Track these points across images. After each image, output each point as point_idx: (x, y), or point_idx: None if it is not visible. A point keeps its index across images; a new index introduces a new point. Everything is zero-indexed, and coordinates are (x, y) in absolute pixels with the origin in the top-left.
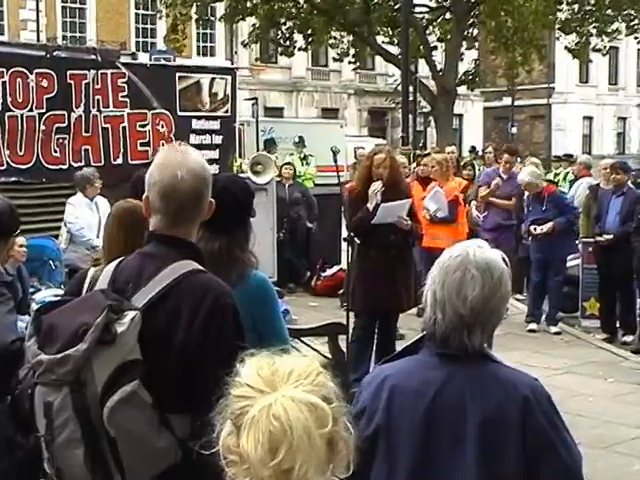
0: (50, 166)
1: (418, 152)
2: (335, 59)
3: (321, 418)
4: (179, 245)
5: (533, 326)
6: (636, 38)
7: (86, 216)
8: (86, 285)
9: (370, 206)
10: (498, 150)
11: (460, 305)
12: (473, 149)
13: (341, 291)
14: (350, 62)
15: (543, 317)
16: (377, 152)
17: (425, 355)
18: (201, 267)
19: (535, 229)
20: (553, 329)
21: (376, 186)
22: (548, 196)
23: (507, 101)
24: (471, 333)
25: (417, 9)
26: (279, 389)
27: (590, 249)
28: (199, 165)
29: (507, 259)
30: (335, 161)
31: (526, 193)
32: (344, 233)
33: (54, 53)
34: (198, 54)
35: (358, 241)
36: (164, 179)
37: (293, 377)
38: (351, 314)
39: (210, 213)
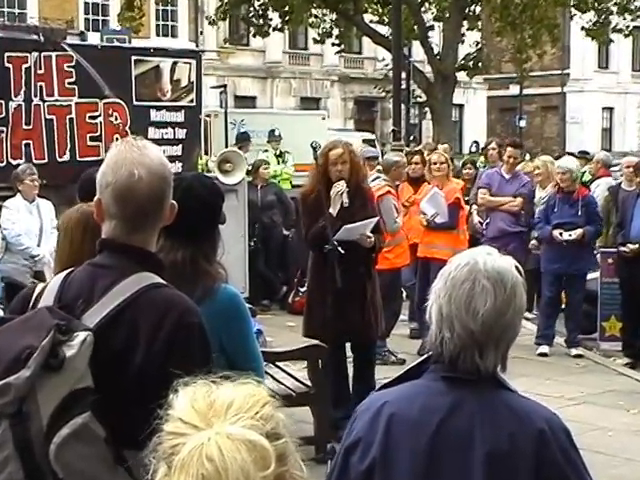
0: None
1: (407, 149)
2: (316, 41)
3: (263, 458)
4: (136, 255)
5: (544, 349)
6: None
7: (25, 221)
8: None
9: (333, 211)
10: (503, 146)
11: (470, 320)
12: (476, 145)
13: None
14: (334, 44)
15: (556, 339)
16: (332, 147)
17: (429, 379)
18: (162, 281)
19: (561, 234)
20: (574, 351)
21: (340, 187)
22: (582, 199)
23: (515, 90)
24: (483, 352)
25: None
26: (215, 424)
27: (610, 260)
28: (159, 162)
29: (521, 268)
30: (316, 159)
31: (548, 189)
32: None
33: None
34: (157, 34)
35: (342, 251)
36: (118, 179)
37: (232, 410)
38: None
39: (172, 218)
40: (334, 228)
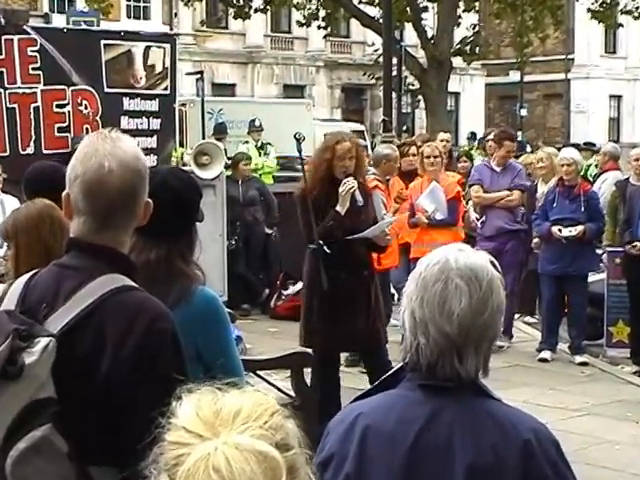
0: None
1: (398, 141)
2: (301, 24)
3: (273, 469)
4: (106, 255)
5: (546, 355)
6: None
7: None
8: None
9: (342, 210)
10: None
11: (445, 323)
12: (473, 136)
13: None
14: (320, 27)
15: (559, 345)
16: (339, 140)
17: (406, 388)
18: (133, 283)
19: (560, 230)
20: (579, 359)
21: (351, 184)
22: (584, 194)
23: (515, 76)
24: (463, 356)
25: None
26: (222, 434)
27: (617, 260)
28: (133, 155)
29: (496, 263)
30: (300, 151)
31: (550, 183)
32: None
33: None
34: (129, 16)
35: (328, 251)
36: (87, 171)
37: (240, 419)
38: None
39: (147, 217)
40: (342, 228)
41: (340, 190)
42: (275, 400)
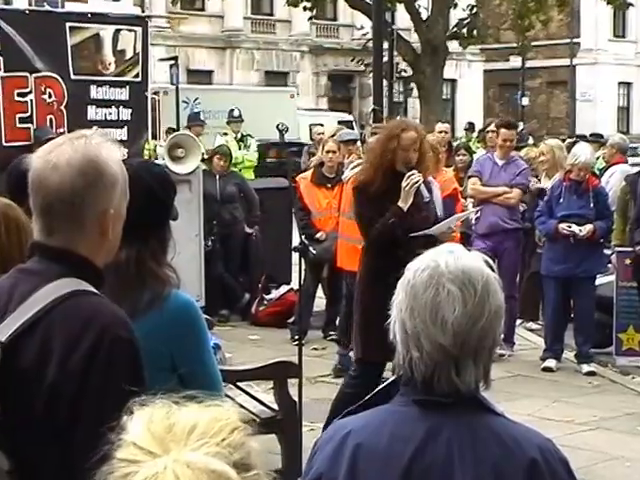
0: None
1: None
2: (288, 2)
3: None
4: (62, 258)
5: (550, 363)
6: None
7: None
8: None
9: (404, 205)
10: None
11: (439, 333)
12: (471, 127)
13: (291, 319)
14: (306, 9)
15: (565, 354)
16: (404, 128)
17: (400, 404)
18: (91, 287)
19: (569, 227)
20: (586, 368)
21: (417, 177)
22: (593, 190)
23: (516, 62)
24: (461, 369)
25: None
26: (173, 451)
27: (628, 261)
28: (91, 159)
29: (492, 263)
30: (283, 143)
31: (556, 177)
32: (295, 240)
33: None
34: None
35: (314, 252)
36: (36, 166)
37: (195, 435)
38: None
39: (111, 228)
40: (405, 227)
41: (404, 184)
42: (237, 416)
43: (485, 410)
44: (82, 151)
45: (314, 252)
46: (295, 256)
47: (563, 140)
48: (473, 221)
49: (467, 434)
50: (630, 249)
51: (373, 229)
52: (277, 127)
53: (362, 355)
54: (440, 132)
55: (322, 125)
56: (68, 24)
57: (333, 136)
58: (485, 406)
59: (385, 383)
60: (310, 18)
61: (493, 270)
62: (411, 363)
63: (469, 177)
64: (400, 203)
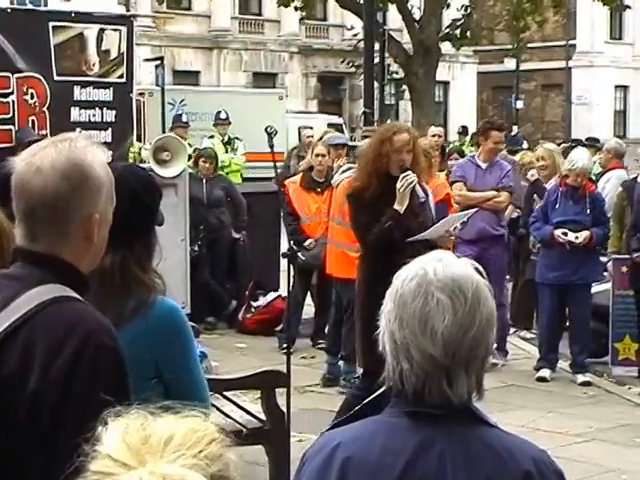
0: None
1: None
2: (278, 2)
3: None
4: (46, 263)
5: (545, 373)
6: None
7: None
8: None
9: (400, 208)
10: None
11: (429, 344)
12: (464, 130)
13: (280, 327)
14: (297, 9)
15: (559, 363)
16: (397, 131)
17: (391, 415)
18: (74, 294)
19: (565, 234)
20: (581, 378)
21: (411, 178)
22: (590, 195)
23: (510, 64)
24: (452, 379)
25: None
26: (149, 463)
27: (624, 269)
28: (75, 162)
29: (481, 269)
30: (271, 147)
31: (552, 182)
32: (284, 246)
33: None
34: None
35: (303, 258)
36: (19, 168)
37: (171, 446)
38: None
39: (95, 233)
40: (402, 229)
41: (398, 186)
42: (215, 427)
43: (478, 421)
44: (66, 154)
45: (303, 258)
46: (283, 262)
47: (559, 144)
48: (459, 226)
49: (460, 446)
50: (627, 256)
51: (370, 234)
52: (266, 130)
53: (366, 366)
54: (433, 135)
55: (312, 128)
56: (51, 23)
57: (321, 139)
58: (478, 417)
59: (375, 394)
60: (302, 19)
61: (483, 277)
62: (401, 374)
63: (452, 183)
64: (396, 206)
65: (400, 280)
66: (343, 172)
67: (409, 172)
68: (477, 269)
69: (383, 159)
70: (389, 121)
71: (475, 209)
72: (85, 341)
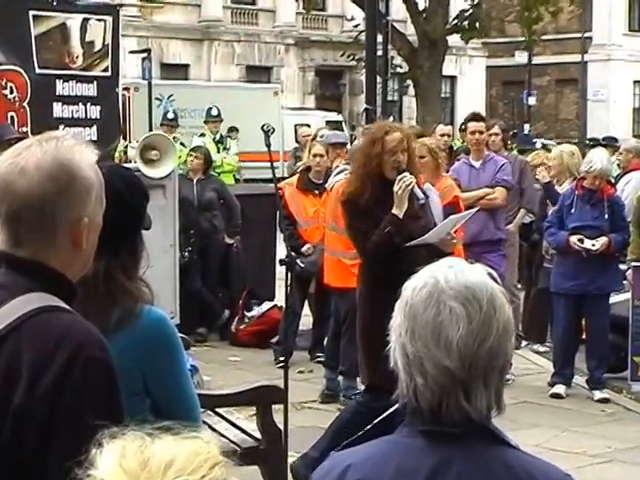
0: None
1: None
2: None
3: None
4: (31, 270)
5: (559, 389)
6: None
7: None
8: None
9: (399, 212)
10: (507, 131)
11: (444, 356)
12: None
13: (275, 339)
14: None
15: (575, 378)
16: (388, 130)
17: (405, 434)
18: (62, 303)
19: (582, 241)
20: (598, 395)
21: (409, 180)
22: (608, 199)
23: (522, 58)
24: (470, 393)
25: None
26: None
27: None
28: (62, 162)
29: (496, 276)
30: (268, 146)
31: (566, 185)
32: (280, 252)
33: None
34: None
35: (302, 265)
36: (2, 168)
37: (172, 471)
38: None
39: (83, 240)
40: (403, 234)
41: (396, 189)
42: (218, 449)
43: (498, 441)
44: (53, 154)
45: (302, 265)
46: (279, 270)
47: (575, 144)
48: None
49: (478, 468)
50: None
51: (369, 242)
52: (262, 128)
53: (369, 381)
54: (442, 135)
55: (309, 126)
56: (32, 12)
57: (315, 138)
58: (498, 437)
59: (388, 412)
60: (305, 10)
61: (498, 283)
62: (416, 390)
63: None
64: (394, 210)
65: (409, 290)
66: (337, 174)
67: (406, 173)
68: (491, 275)
69: (375, 161)
70: (391, 119)
71: (477, 208)
72: (75, 353)
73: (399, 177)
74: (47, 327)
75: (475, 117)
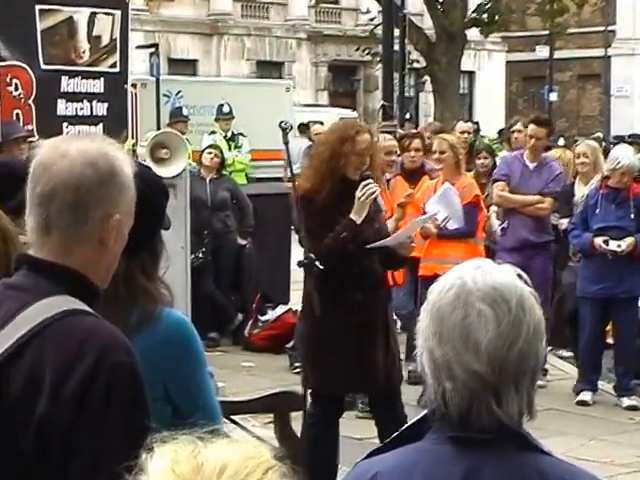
0: None
1: (401, 131)
2: None
3: None
4: (53, 272)
5: (586, 396)
6: None
7: None
8: None
9: (358, 218)
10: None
11: (473, 360)
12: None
13: (290, 344)
14: None
15: (602, 385)
16: (359, 130)
17: (433, 441)
18: (86, 307)
19: (607, 242)
20: (626, 402)
21: (373, 187)
22: (634, 198)
23: (543, 52)
24: (502, 397)
25: None
26: None
27: None
28: (105, 154)
29: (525, 276)
30: (286, 144)
31: (591, 184)
32: (296, 254)
33: None
34: None
35: (321, 267)
36: (42, 153)
37: (227, 476)
38: None
39: (112, 238)
40: (358, 241)
41: (358, 195)
42: (270, 453)
43: (530, 448)
44: (98, 145)
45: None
46: (294, 272)
47: (605, 145)
48: (499, 232)
49: (511, 475)
50: None
51: (323, 245)
52: (280, 125)
53: (317, 385)
54: (462, 132)
55: (322, 123)
56: (38, 6)
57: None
58: (531, 443)
59: (415, 419)
60: (315, 3)
61: (527, 284)
62: (444, 395)
63: (494, 181)
64: (353, 215)
65: (436, 292)
66: None
67: (370, 180)
68: (520, 276)
69: (342, 160)
70: (407, 115)
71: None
72: (100, 357)
73: (364, 183)
74: (70, 331)
75: (538, 120)
